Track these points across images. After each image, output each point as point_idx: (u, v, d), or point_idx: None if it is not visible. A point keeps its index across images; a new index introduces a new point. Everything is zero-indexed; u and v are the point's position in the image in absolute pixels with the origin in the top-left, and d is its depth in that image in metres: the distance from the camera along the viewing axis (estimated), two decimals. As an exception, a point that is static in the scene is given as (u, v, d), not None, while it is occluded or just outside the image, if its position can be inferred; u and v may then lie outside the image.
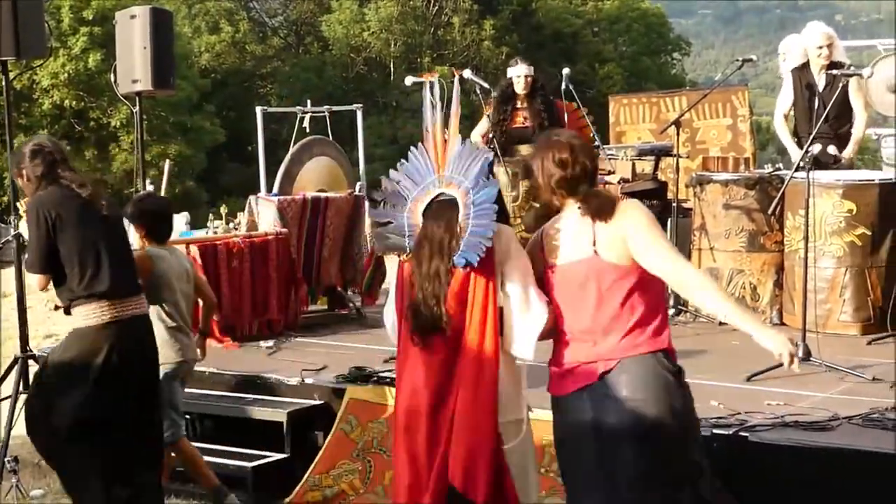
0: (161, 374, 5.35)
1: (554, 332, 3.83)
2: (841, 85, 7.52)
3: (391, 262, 10.22)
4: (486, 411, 3.74)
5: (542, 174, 3.84)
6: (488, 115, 8.60)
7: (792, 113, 8.39)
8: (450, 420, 3.74)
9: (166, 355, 5.54)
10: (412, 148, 3.92)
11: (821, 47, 8.02)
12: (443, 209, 3.81)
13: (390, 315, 4.04)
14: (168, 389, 5.60)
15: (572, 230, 3.81)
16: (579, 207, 3.79)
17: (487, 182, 3.78)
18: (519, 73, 8.56)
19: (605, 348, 3.75)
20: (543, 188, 3.87)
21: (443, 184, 3.84)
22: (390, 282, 3.92)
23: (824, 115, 7.26)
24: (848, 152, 8.00)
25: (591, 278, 3.75)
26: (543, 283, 3.84)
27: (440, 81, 8.15)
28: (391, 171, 3.92)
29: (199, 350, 5.96)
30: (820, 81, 8.08)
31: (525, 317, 3.77)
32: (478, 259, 3.68)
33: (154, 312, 5.55)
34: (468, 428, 3.73)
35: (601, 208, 3.74)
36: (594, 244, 3.74)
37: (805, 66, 8.19)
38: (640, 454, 3.71)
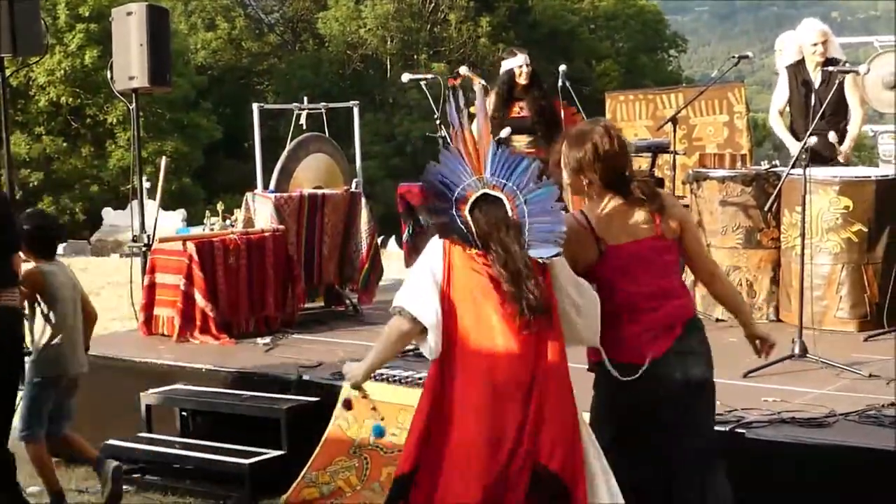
0: (37, 381, 5.82)
1: (611, 307, 4.07)
2: (837, 82, 7.52)
3: (388, 260, 10.23)
4: (571, 389, 3.96)
5: (583, 164, 4.12)
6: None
7: (787, 110, 8.39)
8: (536, 402, 3.85)
9: (47, 367, 5.88)
10: (443, 150, 3.97)
11: (815, 44, 8.02)
12: (492, 208, 3.89)
13: (432, 308, 3.92)
14: (38, 395, 5.88)
15: (627, 214, 4.14)
16: (628, 197, 4.13)
17: (540, 183, 3.92)
18: (520, 63, 8.58)
19: (674, 310, 4.16)
20: (579, 179, 4.15)
21: (486, 185, 3.91)
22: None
23: (820, 111, 7.25)
24: (844, 147, 8.00)
25: (656, 253, 4.15)
26: (599, 263, 4.09)
27: (436, 80, 8.15)
28: (430, 170, 3.95)
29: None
30: (816, 78, 8.07)
31: (594, 306, 4.03)
32: (560, 250, 3.86)
33: (40, 325, 5.87)
34: (563, 406, 3.91)
35: (662, 202, 4.16)
36: (659, 225, 4.14)
37: (801, 63, 8.19)
38: (712, 401, 4.27)
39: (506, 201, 3.89)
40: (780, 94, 8.38)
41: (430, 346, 3.92)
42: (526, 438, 3.82)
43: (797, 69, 8.20)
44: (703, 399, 4.20)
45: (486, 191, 3.90)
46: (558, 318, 3.92)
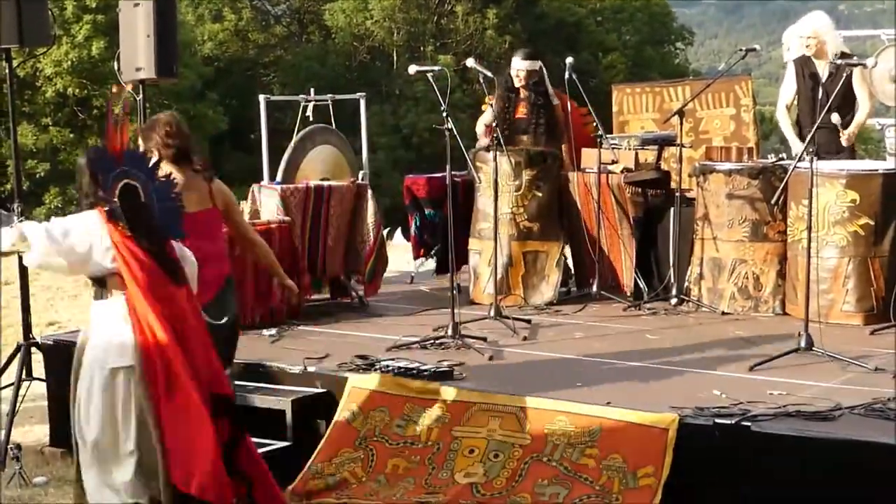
0: None
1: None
2: (845, 75, 7.50)
3: (394, 252, 10.22)
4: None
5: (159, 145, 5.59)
6: (491, 105, 8.59)
7: (795, 103, 8.37)
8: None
9: None
10: (95, 145, 4.73)
11: (801, 37, 8.03)
12: (132, 194, 4.70)
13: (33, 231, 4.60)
14: None
15: (191, 187, 5.56)
16: (193, 172, 5.69)
17: (162, 177, 4.87)
18: (516, 67, 8.73)
19: (223, 268, 5.74)
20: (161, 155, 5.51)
21: (127, 176, 4.72)
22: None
23: (828, 105, 7.23)
24: (849, 130, 7.98)
25: (214, 220, 5.73)
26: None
27: (443, 72, 8.16)
28: (89, 159, 4.79)
29: None
30: (823, 71, 8.06)
31: (194, 268, 5.05)
32: (183, 233, 4.86)
33: None
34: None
35: (212, 180, 5.75)
36: (212, 199, 5.72)
37: (807, 56, 8.17)
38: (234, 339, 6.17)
39: (141, 188, 4.75)
40: (788, 87, 8.37)
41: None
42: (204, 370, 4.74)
43: (804, 62, 8.19)
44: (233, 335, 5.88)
45: (128, 180, 4.73)
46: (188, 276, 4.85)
